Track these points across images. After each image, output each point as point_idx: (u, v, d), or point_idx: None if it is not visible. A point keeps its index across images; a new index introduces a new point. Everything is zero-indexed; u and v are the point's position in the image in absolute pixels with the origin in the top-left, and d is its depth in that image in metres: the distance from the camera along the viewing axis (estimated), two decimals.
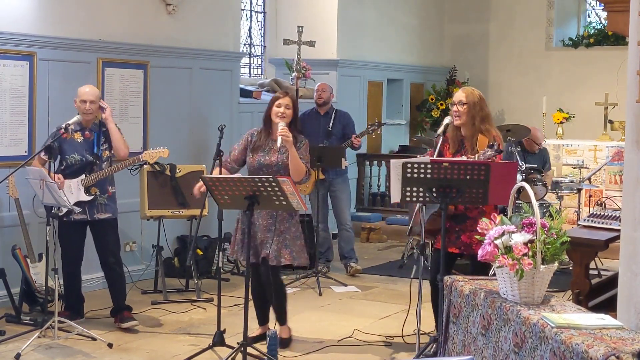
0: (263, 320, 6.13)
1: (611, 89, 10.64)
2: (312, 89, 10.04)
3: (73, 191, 6.33)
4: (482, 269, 5.36)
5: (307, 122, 8.53)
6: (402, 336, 6.11)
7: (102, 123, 6.47)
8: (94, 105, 6.38)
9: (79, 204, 6.34)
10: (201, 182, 5.70)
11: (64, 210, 6.26)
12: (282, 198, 5.22)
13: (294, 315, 6.10)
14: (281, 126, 5.70)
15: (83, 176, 6.38)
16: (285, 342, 6.03)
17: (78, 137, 6.43)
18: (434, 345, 5.34)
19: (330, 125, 8.52)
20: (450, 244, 5.48)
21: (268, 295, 6.01)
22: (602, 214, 6.41)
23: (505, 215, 4.25)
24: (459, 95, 5.61)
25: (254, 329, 6.07)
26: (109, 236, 6.53)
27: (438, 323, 5.66)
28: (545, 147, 9.08)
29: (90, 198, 6.37)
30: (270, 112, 5.83)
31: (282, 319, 6.09)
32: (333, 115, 8.58)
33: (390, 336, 6.30)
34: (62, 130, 6.24)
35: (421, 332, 5.58)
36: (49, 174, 6.05)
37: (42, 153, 6.23)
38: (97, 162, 6.41)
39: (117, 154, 6.44)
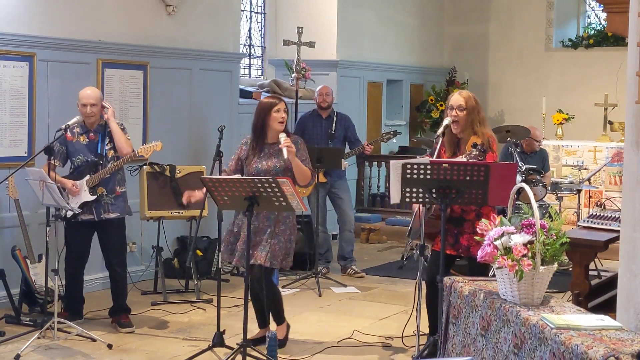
0: (262, 322, 6.11)
1: (611, 89, 10.64)
2: (311, 89, 10.05)
3: (79, 192, 6.35)
4: (480, 270, 5.38)
5: (309, 125, 8.54)
6: (402, 337, 6.11)
7: (107, 124, 6.47)
8: (95, 108, 6.39)
9: (84, 204, 6.35)
10: (192, 192, 5.91)
11: (70, 212, 6.27)
12: (281, 199, 5.23)
13: (293, 315, 6.10)
14: (283, 137, 5.68)
15: (88, 177, 6.40)
16: (281, 343, 5.97)
17: (83, 139, 6.45)
18: (429, 345, 5.35)
19: (333, 128, 8.52)
20: (449, 246, 5.49)
21: (263, 300, 5.99)
22: (602, 214, 6.41)
23: (505, 216, 4.25)
24: (458, 99, 5.60)
25: (254, 331, 6.06)
26: (114, 237, 6.54)
27: (431, 323, 5.69)
28: (543, 148, 9.09)
29: (93, 198, 6.38)
30: (267, 119, 5.78)
31: (278, 318, 6.07)
32: (335, 119, 8.57)
33: (389, 337, 6.30)
34: (62, 131, 6.25)
35: (421, 334, 5.59)
36: (49, 174, 6.04)
37: (52, 158, 6.17)
38: (102, 162, 6.43)
39: (120, 152, 6.44)
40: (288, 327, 6.13)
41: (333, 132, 8.50)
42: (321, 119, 8.58)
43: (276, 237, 5.78)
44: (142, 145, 6.62)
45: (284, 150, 5.63)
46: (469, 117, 5.58)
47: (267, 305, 6.01)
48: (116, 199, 6.49)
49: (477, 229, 4.30)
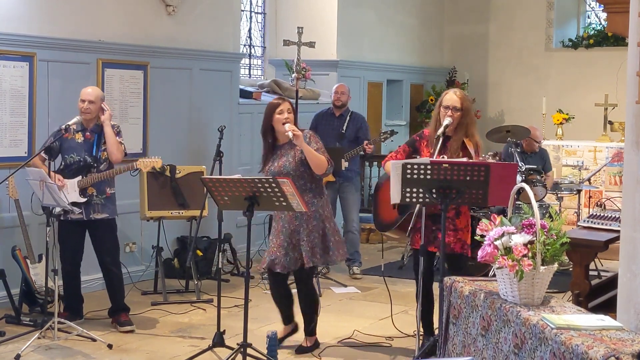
0: (287, 320, 6.07)
1: (611, 89, 10.64)
2: (311, 89, 10.05)
3: (69, 191, 6.33)
4: (458, 266, 5.39)
5: (321, 123, 8.56)
6: (403, 337, 6.12)
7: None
8: (92, 105, 6.39)
9: (74, 204, 6.34)
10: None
11: (58, 209, 6.24)
12: (282, 199, 5.22)
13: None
14: (288, 125, 5.67)
15: (80, 177, 6.38)
16: (306, 350, 5.95)
17: (79, 137, 6.44)
18: (428, 345, 5.35)
19: (344, 128, 8.51)
20: (429, 243, 5.50)
21: (286, 300, 5.98)
22: (602, 214, 6.42)
23: (505, 216, 4.25)
24: (453, 100, 5.60)
25: (280, 330, 6.03)
26: (106, 236, 6.53)
27: (424, 323, 5.69)
28: (544, 147, 9.09)
29: (84, 200, 6.37)
30: (271, 121, 5.77)
31: (310, 330, 5.99)
32: (347, 118, 8.56)
33: (390, 337, 6.30)
34: (63, 130, 6.26)
35: (421, 333, 5.59)
36: (49, 174, 6.05)
37: (42, 152, 6.24)
38: (96, 164, 6.42)
39: (110, 158, 6.43)
40: (317, 343, 6.01)
41: (344, 131, 8.50)
42: (333, 118, 8.59)
43: (310, 235, 5.74)
44: (143, 158, 6.60)
45: (290, 134, 5.62)
46: (463, 119, 5.60)
47: (304, 310, 5.95)
48: (106, 200, 6.48)
49: (477, 229, 4.30)
